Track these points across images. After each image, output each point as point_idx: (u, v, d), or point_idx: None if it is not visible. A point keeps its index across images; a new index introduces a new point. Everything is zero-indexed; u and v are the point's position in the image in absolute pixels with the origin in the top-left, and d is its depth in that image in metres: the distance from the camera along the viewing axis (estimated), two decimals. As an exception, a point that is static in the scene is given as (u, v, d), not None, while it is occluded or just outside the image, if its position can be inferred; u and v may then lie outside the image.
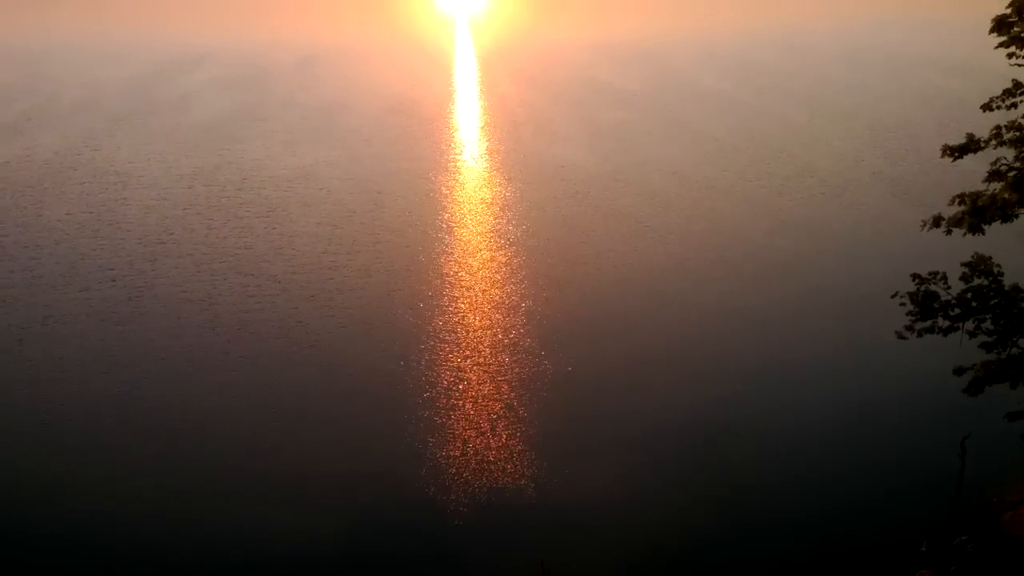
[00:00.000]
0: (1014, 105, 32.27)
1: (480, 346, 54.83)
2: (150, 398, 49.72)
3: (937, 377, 41.19)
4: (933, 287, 32.31)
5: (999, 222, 31.15)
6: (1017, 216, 30.96)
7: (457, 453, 43.97)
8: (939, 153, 33.01)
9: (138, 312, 60.74)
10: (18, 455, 44.73)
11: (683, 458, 42.88)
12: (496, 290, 62.95)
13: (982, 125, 33.26)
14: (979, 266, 32.12)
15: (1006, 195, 30.61)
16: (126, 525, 38.95)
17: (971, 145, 31.54)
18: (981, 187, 31.40)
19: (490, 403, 48.41)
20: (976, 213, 30.64)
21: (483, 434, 45.50)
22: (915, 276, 32.65)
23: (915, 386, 47.68)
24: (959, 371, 32.58)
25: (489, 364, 52.58)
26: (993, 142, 31.47)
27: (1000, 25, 31.72)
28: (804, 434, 44.65)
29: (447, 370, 51.88)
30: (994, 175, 31.20)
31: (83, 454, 44.55)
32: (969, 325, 32.14)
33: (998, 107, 32.43)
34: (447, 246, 71.53)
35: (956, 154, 31.73)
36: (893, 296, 32.69)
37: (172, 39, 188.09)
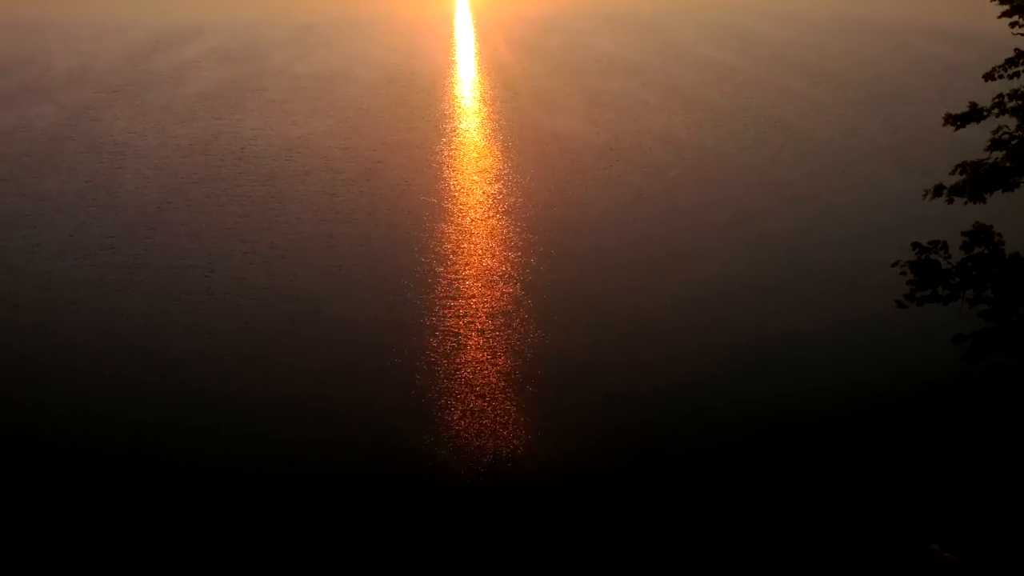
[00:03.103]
0: (1016, 74, 32.35)
1: (478, 314, 55.08)
2: (150, 362, 49.97)
3: (934, 347, 41.61)
4: (934, 256, 32.43)
5: (1000, 191, 31.35)
6: (1018, 185, 31.12)
7: (456, 416, 44.42)
8: (939, 122, 33.13)
9: (137, 279, 60.88)
10: (14, 422, 45.10)
11: (671, 422, 43.43)
12: (493, 259, 63.09)
13: (982, 94, 33.35)
14: (980, 235, 32.23)
15: (1008, 164, 30.78)
16: (124, 499, 39.30)
17: (973, 114, 31.65)
18: (983, 156, 31.56)
19: (487, 369, 48.78)
20: (977, 182, 30.82)
21: (482, 397, 45.96)
22: (916, 245, 32.75)
23: (915, 354, 48.05)
24: (958, 339, 32.80)
25: (487, 331, 52.86)
26: (995, 111, 31.58)
27: (1003, -6, 31.73)
28: (804, 405, 45.00)
29: (447, 336, 52.16)
30: (996, 144, 31.31)
31: (79, 418, 44.90)
32: (969, 294, 32.30)
33: (1000, 76, 32.54)
34: (444, 215, 71.60)
35: (958, 123, 31.84)
36: (893, 265, 32.81)
37: (168, 11, 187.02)
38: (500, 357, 50.06)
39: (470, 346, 51.31)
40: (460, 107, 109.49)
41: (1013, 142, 31.23)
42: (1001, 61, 32.31)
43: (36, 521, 37.43)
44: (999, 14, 32.38)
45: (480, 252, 64.49)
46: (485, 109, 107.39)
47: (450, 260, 63.02)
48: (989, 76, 32.66)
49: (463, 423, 43.96)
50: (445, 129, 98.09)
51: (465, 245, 65.77)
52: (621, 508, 37.71)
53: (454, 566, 34.93)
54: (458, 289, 58.43)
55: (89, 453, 41.94)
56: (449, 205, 74.05)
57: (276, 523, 37.15)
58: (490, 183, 79.45)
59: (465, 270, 61.39)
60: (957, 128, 32.32)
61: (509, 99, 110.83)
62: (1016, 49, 32.25)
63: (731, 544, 35.60)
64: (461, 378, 47.97)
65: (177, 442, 42.88)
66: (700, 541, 35.80)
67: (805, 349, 49.74)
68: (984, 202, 31.64)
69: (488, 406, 45.38)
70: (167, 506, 38.41)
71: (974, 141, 34.53)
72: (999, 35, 33.15)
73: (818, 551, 34.75)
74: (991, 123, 32.21)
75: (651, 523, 36.77)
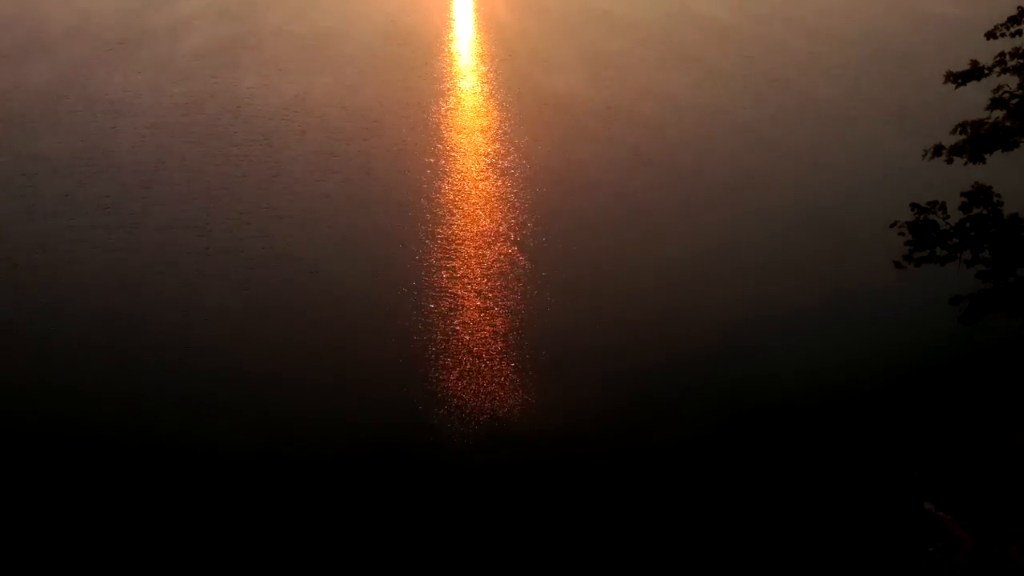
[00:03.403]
0: (1018, 32, 32.10)
1: (475, 274, 54.99)
2: (146, 323, 49.96)
3: (933, 306, 41.58)
4: (932, 217, 32.42)
5: (1000, 151, 31.21)
6: (1018, 145, 30.96)
7: (453, 377, 44.51)
8: (940, 81, 32.94)
9: (134, 239, 60.63)
10: (13, 379, 45.20)
11: (668, 384, 43.53)
12: (490, 220, 62.87)
13: (985, 54, 33.03)
14: (979, 196, 32.18)
15: (1008, 123, 30.61)
16: (120, 458, 39.46)
17: (974, 72, 31.44)
18: (983, 115, 31.38)
19: (484, 330, 48.79)
20: (977, 141, 30.67)
21: (479, 358, 46.05)
22: (914, 206, 32.75)
23: (910, 314, 48.07)
24: (955, 300, 32.89)
25: (484, 292, 52.82)
26: (997, 69, 31.36)
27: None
28: (797, 361, 45.10)
29: (444, 297, 52.12)
30: (996, 103, 31.15)
31: (74, 378, 44.97)
32: (967, 255, 32.33)
33: (1002, 34, 32.30)
34: (442, 175, 71.22)
35: (959, 81, 31.65)
36: (892, 226, 32.83)
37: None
38: (497, 318, 50.05)
39: (467, 307, 51.27)
40: (457, 66, 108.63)
41: (1014, 101, 31.04)
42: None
43: (28, 489, 37.59)
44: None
45: (477, 212, 64.25)
46: (482, 68, 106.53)
47: (447, 220, 62.78)
48: (991, 34, 32.42)
49: (460, 384, 44.04)
50: (442, 88, 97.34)
51: (462, 205, 65.50)
52: (617, 471, 37.87)
53: (449, 528, 35.12)
54: (455, 250, 58.27)
55: (83, 418, 42.01)
56: (446, 165, 73.65)
57: (272, 482, 37.32)
58: (488, 143, 79.00)
59: (462, 231, 61.18)
60: (958, 86, 32.13)
61: (507, 57, 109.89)
62: (1019, 7, 31.96)
63: (726, 504, 35.82)
64: (458, 339, 47.99)
65: (175, 399, 43.06)
66: (697, 503, 36.01)
67: (805, 317, 49.55)
68: (984, 162, 31.53)
69: (485, 366, 45.45)
70: (162, 462, 38.56)
71: (976, 101, 34.24)
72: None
73: (813, 511, 34.96)
74: (992, 82, 31.97)
75: (647, 486, 36.94)
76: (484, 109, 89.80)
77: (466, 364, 45.68)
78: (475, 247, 58.69)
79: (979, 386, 41.59)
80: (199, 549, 34.14)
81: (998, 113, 31.20)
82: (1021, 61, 31.14)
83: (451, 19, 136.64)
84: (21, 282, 55.04)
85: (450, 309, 50.89)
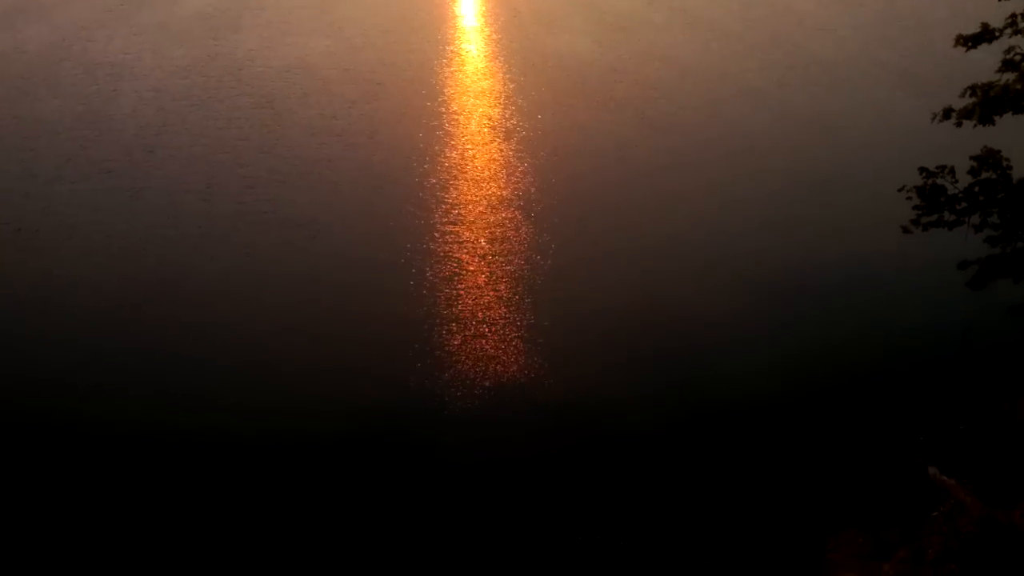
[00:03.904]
0: (1032, -7, 31.60)
1: (479, 239, 54.76)
2: (148, 287, 49.88)
3: (940, 271, 41.36)
4: (940, 181, 32.12)
5: (1010, 113, 30.85)
6: (1029, 107, 30.57)
7: (457, 342, 44.45)
8: (950, 44, 32.45)
9: (136, 202, 60.41)
10: (13, 342, 45.22)
11: (673, 351, 43.36)
12: (494, 184, 62.52)
13: (996, 15, 32.51)
14: (988, 159, 31.84)
15: (1018, 86, 30.21)
16: (120, 423, 39.52)
17: (985, 34, 30.99)
18: (994, 78, 30.96)
19: (488, 295, 48.65)
20: (987, 104, 30.30)
21: (482, 323, 45.93)
22: (922, 170, 32.43)
23: (916, 279, 47.81)
24: (963, 265, 32.67)
25: (487, 257, 52.61)
26: (1008, 31, 30.90)
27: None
28: (803, 324, 44.99)
29: (448, 262, 51.95)
30: (1007, 65, 30.71)
31: (75, 341, 44.90)
32: (975, 219, 32.09)
33: (1015, -5, 31.81)
34: (445, 139, 70.76)
35: (970, 43, 31.18)
36: (900, 190, 32.55)
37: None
38: (501, 283, 49.88)
39: (471, 272, 51.11)
40: (461, 27, 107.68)
41: (1025, 63, 30.61)
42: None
43: (26, 452, 37.67)
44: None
45: (481, 177, 63.87)
46: (486, 29, 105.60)
47: (451, 184, 62.43)
48: (1003, -5, 31.94)
49: (464, 349, 43.98)
50: (446, 50, 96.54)
51: (466, 169, 65.12)
52: (621, 437, 37.85)
53: (452, 494, 35.15)
54: (459, 214, 57.99)
55: (81, 385, 41.96)
56: (450, 128, 73.16)
57: (272, 446, 37.38)
58: (491, 105, 78.42)
59: (466, 195, 60.85)
60: (968, 49, 31.65)
61: (511, 18, 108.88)
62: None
63: (731, 466, 35.83)
64: (462, 304, 47.86)
65: (176, 362, 43.07)
66: (705, 468, 36.01)
67: (810, 280, 49.29)
68: (993, 124, 31.14)
69: (489, 331, 45.35)
70: (163, 422, 38.62)
71: (986, 64, 33.78)
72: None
73: (818, 474, 34.94)
74: (1003, 44, 31.49)
75: (652, 453, 36.92)
76: (488, 71, 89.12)
77: (470, 328, 45.59)
78: (479, 211, 58.41)
79: (986, 351, 41.41)
80: (198, 525, 34.15)
81: (1008, 76, 30.76)
82: (1033, 22, 30.66)
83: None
84: (23, 246, 54.94)
85: (454, 274, 50.73)
